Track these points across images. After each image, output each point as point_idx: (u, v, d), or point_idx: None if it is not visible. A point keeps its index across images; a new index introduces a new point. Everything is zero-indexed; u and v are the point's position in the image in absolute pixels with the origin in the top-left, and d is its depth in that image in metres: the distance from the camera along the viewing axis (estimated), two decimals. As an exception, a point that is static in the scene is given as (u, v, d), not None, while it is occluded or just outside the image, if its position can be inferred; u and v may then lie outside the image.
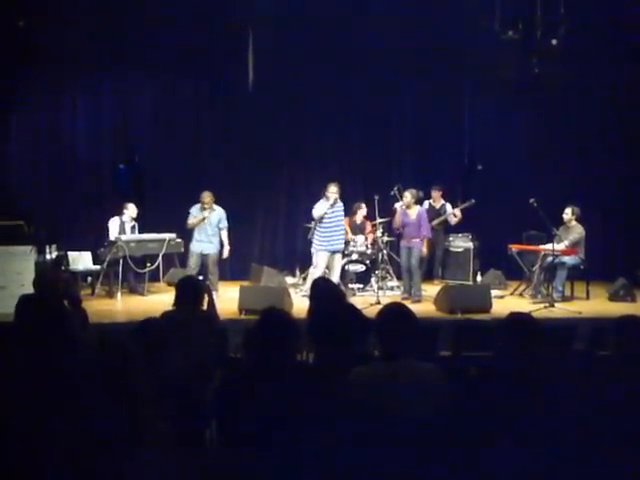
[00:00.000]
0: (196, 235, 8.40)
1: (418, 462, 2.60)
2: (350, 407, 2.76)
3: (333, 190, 8.04)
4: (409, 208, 8.36)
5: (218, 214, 8.45)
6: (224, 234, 8.48)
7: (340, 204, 8.19)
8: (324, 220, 8.06)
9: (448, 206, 9.81)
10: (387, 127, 10.52)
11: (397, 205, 8.48)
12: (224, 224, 8.47)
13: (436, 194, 9.80)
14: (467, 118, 10.74)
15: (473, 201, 9.70)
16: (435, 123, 10.43)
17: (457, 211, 9.72)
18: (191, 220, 8.41)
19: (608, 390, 2.81)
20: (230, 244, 8.53)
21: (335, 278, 7.81)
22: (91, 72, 9.51)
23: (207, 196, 8.37)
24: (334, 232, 8.09)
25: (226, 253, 8.54)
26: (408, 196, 8.35)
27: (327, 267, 8.06)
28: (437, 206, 9.81)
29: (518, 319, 3.10)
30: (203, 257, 8.37)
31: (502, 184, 10.21)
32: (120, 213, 8.68)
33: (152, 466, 2.14)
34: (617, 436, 2.71)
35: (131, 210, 8.69)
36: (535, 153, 10.41)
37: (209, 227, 8.38)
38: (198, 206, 8.42)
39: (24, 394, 2.53)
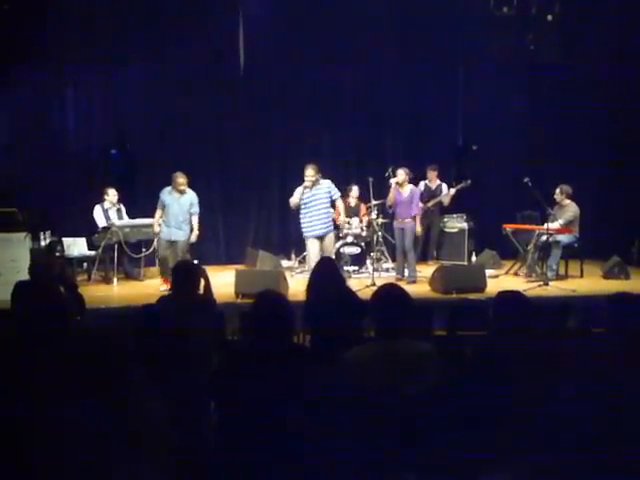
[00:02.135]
0: (165, 220, 7.87)
1: (416, 440, 2.63)
2: (348, 386, 2.78)
3: (308, 174, 7.72)
4: (402, 186, 8.32)
5: (190, 198, 7.92)
6: (195, 219, 7.95)
7: (324, 186, 7.88)
8: (303, 206, 7.83)
9: (444, 186, 9.81)
10: (381, 108, 10.45)
11: (392, 181, 8.31)
12: (196, 209, 7.94)
13: (432, 174, 9.79)
14: (461, 97, 10.70)
15: (469, 181, 9.69)
16: (429, 103, 10.38)
17: (452, 191, 9.73)
18: (156, 217, 7.98)
19: (601, 366, 2.84)
20: (200, 229, 8.08)
21: None
22: (81, 57, 9.41)
23: (181, 176, 7.83)
24: (314, 217, 7.81)
25: (194, 238, 8.00)
26: (402, 174, 8.29)
27: (321, 251, 7.85)
28: (433, 186, 9.81)
29: (507, 297, 3.13)
30: (171, 244, 7.86)
31: (496, 164, 10.21)
32: (101, 200, 8.66)
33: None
34: (612, 411, 2.74)
35: (111, 195, 8.64)
36: (530, 132, 10.39)
37: (180, 212, 7.84)
38: (169, 189, 7.88)
39: (21, 381, 2.55)
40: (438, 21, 9.51)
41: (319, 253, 7.72)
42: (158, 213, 7.98)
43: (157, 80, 9.89)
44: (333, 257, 7.92)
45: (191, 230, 8.00)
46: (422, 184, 9.53)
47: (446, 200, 9.76)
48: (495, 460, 2.68)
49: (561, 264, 8.38)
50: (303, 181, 7.88)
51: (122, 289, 8.11)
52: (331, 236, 8.04)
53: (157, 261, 8.26)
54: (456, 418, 2.73)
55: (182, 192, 7.86)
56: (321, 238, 7.88)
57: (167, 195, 7.89)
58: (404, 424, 2.67)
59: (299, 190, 7.85)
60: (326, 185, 7.92)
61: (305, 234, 7.95)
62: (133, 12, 9.06)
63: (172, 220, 7.84)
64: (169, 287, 7.27)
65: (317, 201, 7.84)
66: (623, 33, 9.59)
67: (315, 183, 7.79)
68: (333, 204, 8.21)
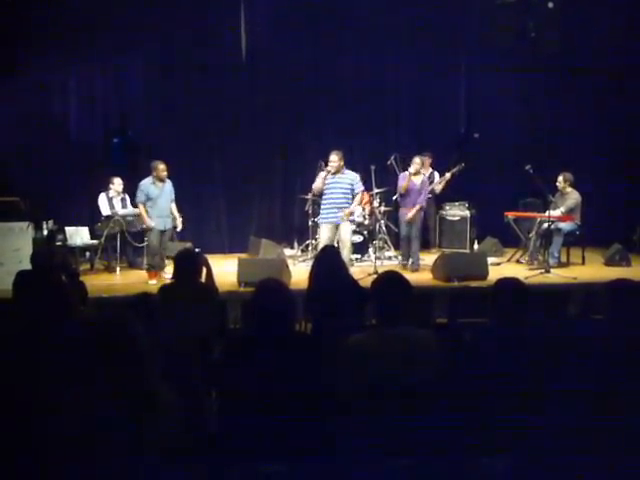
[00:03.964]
0: (155, 212, 7.74)
1: (416, 427, 2.65)
2: (348, 373, 2.80)
3: (332, 159, 7.57)
4: (415, 175, 8.27)
5: (170, 185, 7.88)
6: (174, 206, 7.95)
7: (347, 177, 7.66)
8: (324, 191, 7.70)
9: (436, 174, 9.81)
10: (383, 96, 10.43)
11: (411, 169, 8.22)
12: (173, 195, 7.92)
13: (426, 162, 9.76)
14: (464, 85, 10.66)
15: (463, 165, 9.70)
16: (431, 91, 10.33)
17: (448, 176, 9.73)
18: (142, 213, 7.78)
19: (601, 353, 2.85)
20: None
21: (345, 251, 7.39)
22: (82, 44, 9.39)
23: (163, 163, 7.75)
24: (331, 204, 7.66)
25: (181, 224, 8.04)
26: (418, 162, 8.26)
27: (333, 240, 7.66)
28: (426, 174, 9.76)
29: (505, 284, 3.14)
30: (162, 233, 7.81)
31: (499, 152, 10.17)
32: (106, 189, 8.68)
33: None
34: (610, 398, 2.75)
35: (117, 184, 8.66)
36: (532, 119, 10.36)
37: (167, 201, 7.82)
38: (150, 180, 7.75)
39: (23, 370, 2.56)
40: (440, 9, 9.45)
41: (329, 241, 7.55)
42: (143, 208, 7.78)
43: (159, 67, 9.87)
44: (350, 248, 7.84)
45: (173, 217, 7.94)
46: (422, 174, 9.50)
47: (438, 187, 9.77)
48: (495, 444, 2.70)
49: (563, 251, 8.40)
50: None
51: (125, 278, 8.12)
52: (347, 226, 7.75)
53: (148, 254, 7.98)
54: (456, 404, 2.75)
55: (163, 180, 7.78)
56: (336, 227, 7.67)
57: (151, 187, 7.74)
58: (405, 410, 2.68)
59: (322, 175, 7.72)
60: (350, 177, 7.68)
61: (320, 220, 7.91)
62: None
63: (163, 210, 7.79)
64: (158, 280, 7.40)
65: (337, 189, 7.64)
66: (625, 21, 9.53)
67: (339, 170, 7.60)
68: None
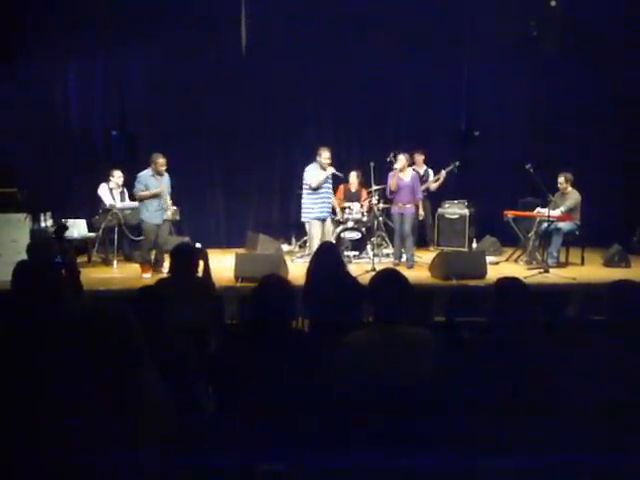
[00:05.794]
0: (154, 205, 7.73)
1: (414, 424, 2.63)
2: (345, 371, 2.78)
3: (327, 156, 7.73)
4: (402, 171, 8.32)
5: (168, 178, 7.89)
6: (169, 198, 7.96)
7: (330, 172, 7.91)
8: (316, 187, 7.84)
9: (430, 171, 9.80)
10: (383, 93, 10.39)
11: (396, 166, 8.35)
12: (170, 188, 7.94)
13: (419, 159, 9.73)
14: (464, 84, 10.63)
15: (457, 163, 9.69)
16: (432, 89, 10.32)
17: (443, 173, 9.71)
18: (146, 192, 7.69)
19: (600, 354, 2.84)
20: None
21: None
22: (83, 38, 9.34)
23: (162, 157, 7.72)
24: (324, 199, 7.84)
25: (172, 215, 8.07)
26: (403, 159, 8.32)
27: (324, 235, 7.88)
28: (421, 172, 9.74)
29: (506, 283, 3.12)
30: (159, 226, 7.81)
31: (499, 150, 10.16)
32: (107, 180, 8.65)
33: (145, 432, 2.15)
34: (608, 399, 2.74)
35: (117, 177, 8.64)
36: (532, 118, 10.34)
37: (165, 194, 7.84)
38: (149, 173, 7.73)
39: (20, 361, 2.54)
40: (441, 6, 9.42)
41: (322, 236, 7.72)
42: (145, 194, 7.73)
43: (158, 62, 9.84)
44: (333, 241, 7.93)
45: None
46: (410, 170, 9.48)
47: (433, 185, 9.75)
48: (494, 444, 2.68)
49: (562, 251, 8.38)
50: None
51: (122, 271, 8.09)
52: (330, 221, 8.06)
53: (142, 247, 7.93)
54: (454, 403, 2.73)
55: (162, 174, 7.78)
56: (324, 221, 7.86)
57: (150, 179, 7.73)
58: (402, 408, 2.67)
59: (318, 171, 7.76)
60: (331, 171, 7.87)
61: (311, 216, 7.92)
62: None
63: (162, 203, 7.80)
64: (151, 274, 7.39)
65: (327, 185, 7.82)
66: (626, 19, 9.49)
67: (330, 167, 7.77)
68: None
